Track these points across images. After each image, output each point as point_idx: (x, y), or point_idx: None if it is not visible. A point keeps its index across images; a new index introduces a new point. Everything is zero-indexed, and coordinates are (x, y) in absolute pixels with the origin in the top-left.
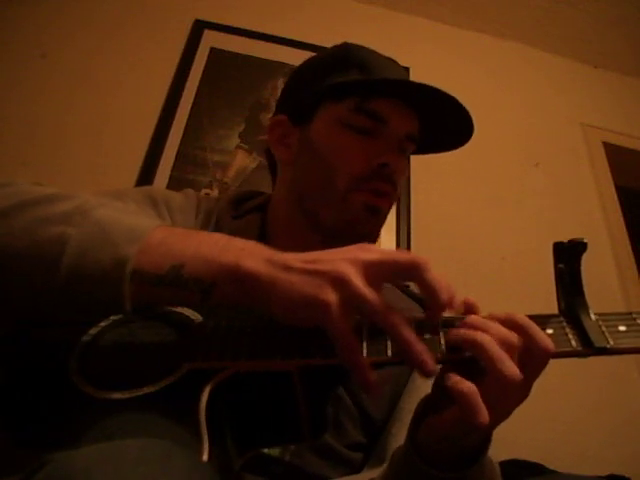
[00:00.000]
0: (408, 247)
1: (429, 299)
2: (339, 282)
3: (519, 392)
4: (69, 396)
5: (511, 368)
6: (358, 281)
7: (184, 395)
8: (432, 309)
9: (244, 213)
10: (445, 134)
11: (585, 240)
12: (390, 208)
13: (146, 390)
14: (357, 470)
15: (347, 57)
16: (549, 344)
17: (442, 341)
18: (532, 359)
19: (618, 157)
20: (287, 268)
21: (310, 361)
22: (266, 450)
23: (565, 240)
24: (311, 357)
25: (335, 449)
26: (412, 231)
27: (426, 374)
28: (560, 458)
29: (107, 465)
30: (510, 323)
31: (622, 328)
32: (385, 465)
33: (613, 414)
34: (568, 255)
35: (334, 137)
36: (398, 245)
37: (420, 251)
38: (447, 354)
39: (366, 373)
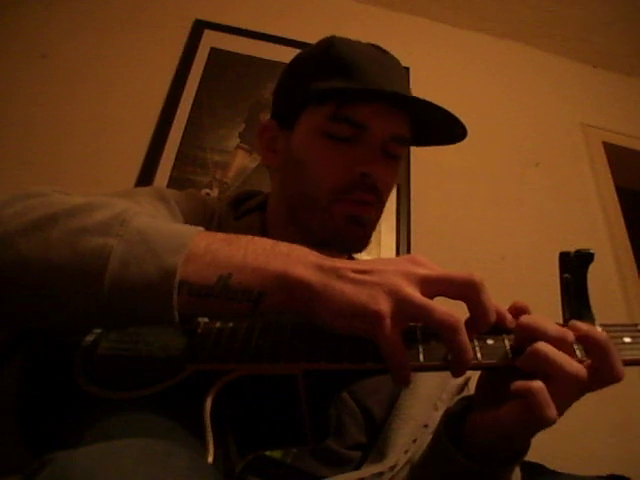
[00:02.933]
0: (408, 247)
1: (477, 320)
2: (393, 293)
3: (580, 388)
4: (72, 395)
5: (573, 367)
6: (413, 292)
7: (188, 396)
8: (475, 330)
9: (243, 214)
10: (438, 130)
11: (592, 251)
12: (378, 216)
13: (150, 390)
14: (356, 467)
15: (330, 58)
16: (621, 373)
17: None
18: (599, 383)
19: (618, 157)
20: (339, 276)
21: (315, 365)
22: (268, 452)
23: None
24: (317, 361)
25: (336, 452)
26: (412, 231)
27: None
28: (560, 458)
29: (108, 464)
30: (590, 340)
31: (627, 340)
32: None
33: (613, 414)
34: (574, 265)
35: (313, 147)
36: (398, 245)
37: (420, 251)
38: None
39: (408, 383)
